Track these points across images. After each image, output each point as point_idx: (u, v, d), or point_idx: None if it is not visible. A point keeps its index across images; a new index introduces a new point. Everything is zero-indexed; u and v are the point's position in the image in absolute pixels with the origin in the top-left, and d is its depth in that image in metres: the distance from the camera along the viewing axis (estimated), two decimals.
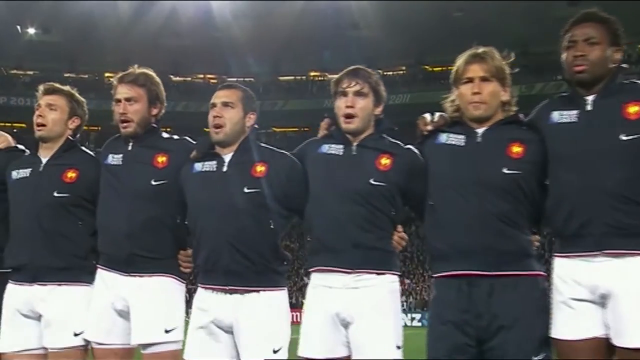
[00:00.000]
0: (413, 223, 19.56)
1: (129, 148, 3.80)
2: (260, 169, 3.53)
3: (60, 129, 3.93)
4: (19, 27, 36.86)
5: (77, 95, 4.01)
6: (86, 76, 39.89)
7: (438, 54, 34.01)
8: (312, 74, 40.03)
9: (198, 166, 3.63)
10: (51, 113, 3.92)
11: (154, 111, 3.83)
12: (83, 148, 4.02)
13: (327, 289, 3.38)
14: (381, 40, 34.69)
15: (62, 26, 35.58)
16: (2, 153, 4.09)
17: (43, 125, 3.90)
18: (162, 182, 3.71)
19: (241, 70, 35.64)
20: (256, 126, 3.66)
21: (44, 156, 3.92)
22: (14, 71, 41.34)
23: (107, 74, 40.94)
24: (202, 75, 41.61)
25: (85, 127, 4.13)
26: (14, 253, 3.85)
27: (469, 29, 32.53)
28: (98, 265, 3.78)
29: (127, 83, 3.82)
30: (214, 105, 3.61)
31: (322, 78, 39.54)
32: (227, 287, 3.47)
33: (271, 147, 3.66)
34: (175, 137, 3.88)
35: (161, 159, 3.75)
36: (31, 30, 37.88)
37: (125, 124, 3.76)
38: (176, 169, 3.70)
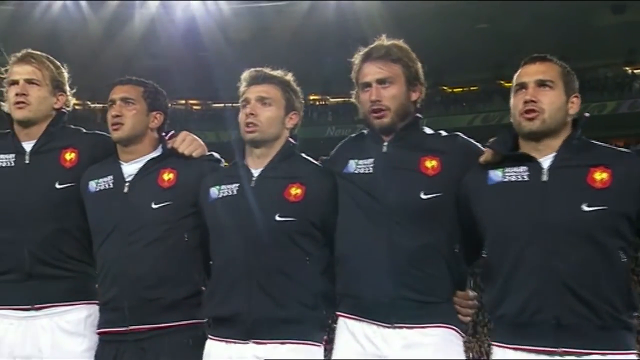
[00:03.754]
0: None
1: (384, 149, 3.26)
2: (600, 176, 2.95)
3: (277, 130, 3.46)
4: None
5: (292, 83, 3.58)
6: None
7: (459, 73, 34.18)
8: (313, 97, 40.23)
9: (495, 175, 3.07)
10: (265, 109, 3.44)
11: (414, 96, 3.32)
12: (304, 155, 3.55)
13: None
14: None
15: (20, 48, 35.84)
16: (196, 163, 3.65)
17: (255, 125, 3.39)
18: (435, 195, 3.16)
19: (231, 94, 35.73)
20: (587, 114, 3.16)
21: (255, 166, 3.43)
22: None
23: (73, 102, 41.11)
24: (183, 102, 41.80)
25: None
26: (220, 299, 3.34)
27: (495, 43, 32.79)
28: (342, 314, 3.27)
29: (378, 60, 3.30)
30: (522, 86, 3.09)
31: (323, 102, 39.71)
32: (557, 349, 2.88)
33: (610, 146, 3.14)
34: (443, 133, 3.35)
35: (430, 164, 3.19)
36: None
37: (379, 114, 3.23)
38: (452, 176, 3.17)
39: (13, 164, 3.74)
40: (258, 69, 3.52)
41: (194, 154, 3.65)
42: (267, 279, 3.25)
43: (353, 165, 3.28)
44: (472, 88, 36.15)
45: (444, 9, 31.46)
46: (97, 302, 3.68)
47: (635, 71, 35.19)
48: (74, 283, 3.67)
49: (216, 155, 3.71)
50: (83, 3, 34.50)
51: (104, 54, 34.45)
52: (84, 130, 3.93)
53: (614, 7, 31.23)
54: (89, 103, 40.90)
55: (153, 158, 3.64)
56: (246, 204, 3.31)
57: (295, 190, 3.31)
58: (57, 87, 3.92)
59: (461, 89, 35.90)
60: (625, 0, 30.46)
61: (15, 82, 3.85)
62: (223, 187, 3.40)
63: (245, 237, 3.28)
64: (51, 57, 4.01)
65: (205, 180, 3.49)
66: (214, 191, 3.43)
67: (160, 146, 3.71)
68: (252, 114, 3.38)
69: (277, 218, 3.26)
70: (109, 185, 3.62)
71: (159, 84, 3.87)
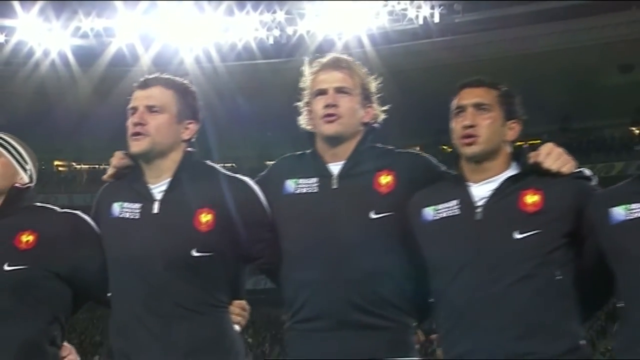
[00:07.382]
0: None
1: None
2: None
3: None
4: None
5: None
6: None
7: None
8: None
9: None
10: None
11: None
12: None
13: None
14: (391, 115, 35.07)
15: (6, 108, 36.10)
16: (566, 181, 3.16)
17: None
18: None
19: (225, 153, 35.97)
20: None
21: None
22: None
23: (57, 163, 41.10)
24: None
25: None
26: None
27: None
28: None
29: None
30: None
31: None
32: None
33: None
34: None
35: None
36: None
37: None
38: None
39: (317, 190, 3.41)
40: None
41: (563, 170, 3.15)
42: None
43: None
44: None
45: (444, 66, 31.79)
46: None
47: None
48: (393, 335, 3.26)
49: (587, 171, 3.22)
50: (72, 62, 34.87)
51: (94, 113, 34.71)
52: (397, 149, 3.57)
53: (621, 66, 31.59)
54: (74, 164, 40.96)
55: (510, 177, 3.18)
56: None
57: None
58: (366, 97, 3.54)
59: None
60: (633, 59, 30.85)
61: (322, 92, 3.54)
62: (634, 206, 2.92)
63: None
64: (359, 63, 3.62)
65: (600, 199, 3.05)
66: (618, 212, 2.94)
67: (515, 162, 3.27)
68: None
69: None
70: (454, 212, 3.20)
71: None
